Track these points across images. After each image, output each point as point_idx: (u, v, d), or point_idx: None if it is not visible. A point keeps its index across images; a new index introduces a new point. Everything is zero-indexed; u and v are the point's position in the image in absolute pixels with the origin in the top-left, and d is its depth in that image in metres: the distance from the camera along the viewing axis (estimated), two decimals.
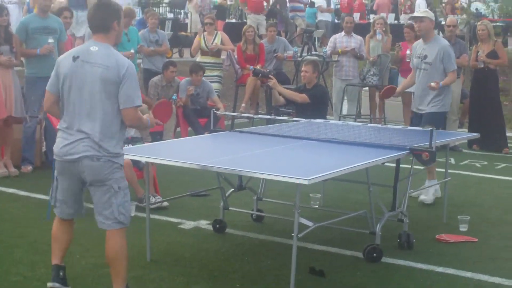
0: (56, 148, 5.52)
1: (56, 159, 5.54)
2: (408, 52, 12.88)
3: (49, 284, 5.73)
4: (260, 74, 10.17)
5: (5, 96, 9.92)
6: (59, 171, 5.58)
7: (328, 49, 14.37)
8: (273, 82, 9.89)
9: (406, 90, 12.98)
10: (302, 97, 9.80)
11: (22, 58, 10.49)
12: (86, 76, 5.37)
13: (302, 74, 10.05)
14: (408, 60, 12.62)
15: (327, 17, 24.54)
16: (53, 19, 10.64)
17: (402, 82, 12.64)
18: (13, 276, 6.20)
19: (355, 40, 14.04)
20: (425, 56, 8.81)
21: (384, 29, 14.34)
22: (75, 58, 5.43)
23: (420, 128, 7.77)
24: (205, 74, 13.14)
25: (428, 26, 8.87)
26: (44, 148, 10.93)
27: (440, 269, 6.66)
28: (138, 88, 5.45)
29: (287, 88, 10.54)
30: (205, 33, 14.30)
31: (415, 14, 9.39)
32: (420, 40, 9.07)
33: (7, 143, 10.27)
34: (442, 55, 8.75)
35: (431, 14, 9.08)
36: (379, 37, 14.12)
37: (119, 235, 5.54)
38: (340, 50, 13.92)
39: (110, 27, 5.49)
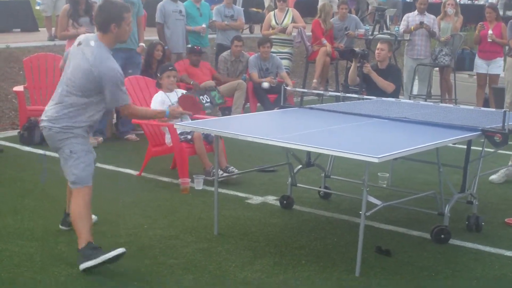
0: None
1: None
2: (490, 32, 12.72)
3: (60, 226, 6.69)
4: (359, 55, 10.00)
5: None
6: None
7: (401, 27, 14.22)
8: (368, 68, 9.79)
9: (480, 71, 12.84)
10: (392, 87, 9.67)
11: None
12: (76, 61, 5.87)
13: (376, 52, 9.93)
14: (489, 41, 12.47)
15: None
16: None
17: (484, 68, 12.50)
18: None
19: (428, 19, 13.84)
20: None
21: (454, 9, 14.11)
22: (79, 44, 5.97)
23: (493, 109, 7.63)
24: (275, 51, 13.16)
25: None
26: (114, 120, 11.08)
27: (508, 253, 6.56)
28: (119, 89, 5.83)
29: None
30: (276, 10, 14.28)
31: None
32: None
33: None
34: None
35: None
36: (450, 12, 13.89)
37: (78, 195, 5.92)
38: (412, 28, 13.74)
39: (108, 29, 5.87)
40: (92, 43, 5.85)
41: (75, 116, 5.84)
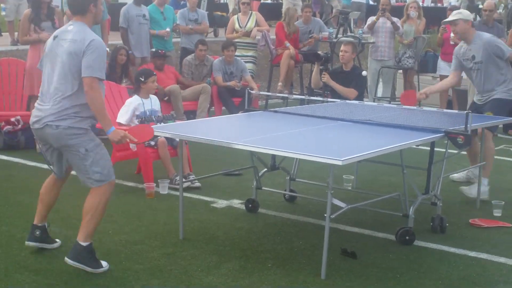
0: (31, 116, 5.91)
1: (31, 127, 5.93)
2: (452, 35, 12.81)
3: (26, 243, 6.24)
4: (323, 58, 10.00)
5: None
6: (37, 137, 6.01)
7: (366, 27, 14.33)
8: (326, 77, 9.80)
9: (443, 73, 12.93)
10: (353, 94, 9.68)
11: None
12: (58, 51, 5.75)
13: (340, 54, 9.93)
14: (452, 43, 12.54)
15: None
16: None
17: (447, 70, 12.54)
18: (47, 250, 6.25)
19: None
20: (473, 57, 8.39)
21: (417, 11, 14.21)
22: (55, 37, 5.86)
23: (455, 111, 7.70)
24: (239, 54, 13.16)
25: (464, 27, 8.38)
26: None
27: (473, 254, 6.62)
28: (100, 61, 5.68)
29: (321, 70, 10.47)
30: (240, 13, 14.29)
31: (448, 18, 8.85)
32: (462, 43, 8.60)
33: None
34: (491, 48, 8.34)
35: (464, 14, 8.50)
36: (412, 15, 14.00)
37: (100, 192, 5.79)
38: (375, 18, 13.83)
39: (86, 9, 5.82)
40: (70, 27, 5.80)
41: (80, 111, 5.67)
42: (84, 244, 5.76)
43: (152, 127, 6.49)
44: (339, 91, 9.69)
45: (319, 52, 9.96)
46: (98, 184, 5.77)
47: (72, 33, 5.72)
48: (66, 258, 5.78)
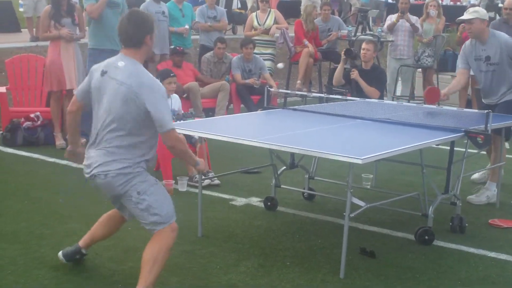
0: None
1: None
2: None
3: (59, 254, 5.91)
4: (353, 54, 9.94)
5: (67, 69, 10.03)
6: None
7: (385, 26, 14.28)
8: (355, 74, 9.77)
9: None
10: (377, 94, 9.65)
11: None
12: (108, 92, 5.15)
13: (362, 52, 9.88)
14: None
15: None
16: None
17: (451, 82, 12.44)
18: (66, 246, 6.25)
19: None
20: (488, 58, 8.13)
21: (437, 10, 14.14)
22: (103, 73, 5.21)
23: (475, 111, 7.65)
24: (258, 52, 13.15)
25: (480, 27, 8.08)
26: None
27: (492, 254, 6.59)
28: (165, 109, 5.11)
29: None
30: (258, 11, 14.28)
31: (464, 16, 8.55)
32: (472, 41, 8.32)
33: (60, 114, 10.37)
34: (508, 50, 8.05)
35: (481, 14, 8.17)
36: (432, 13, 13.93)
37: (160, 237, 5.26)
38: (395, 20, 13.77)
39: (142, 42, 5.19)
40: (121, 63, 5.15)
41: (128, 154, 5.14)
42: None
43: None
44: (364, 89, 9.64)
45: (352, 49, 9.90)
46: (157, 227, 5.24)
47: (123, 74, 5.08)
48: None
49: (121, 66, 5.15)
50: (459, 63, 8.53)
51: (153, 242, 5.27)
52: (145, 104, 5.00)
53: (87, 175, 5.28)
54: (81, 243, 5.90)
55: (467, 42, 8.45)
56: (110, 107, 5.12)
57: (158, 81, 5.22)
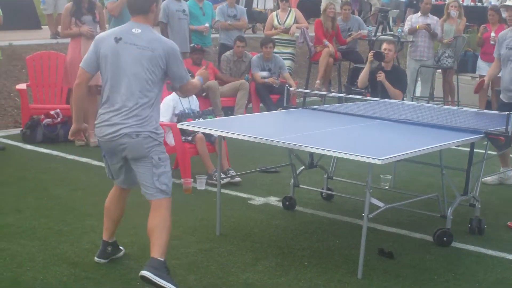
0: (97, 127, 5.59)
1: (99, 139, 5.63)
2: (492, 34, 12.66)
3: (95, 259, 5.99)
4: (382, 57, 9.88)
5: None
6: (104, 150, 5.69)
7: (405, 27, 14.23)
8: (382, 76, 9.69)
9: (483, 74, 12.79)
10: (401, 96, 9.59)
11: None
12: (131, 57, 5.44)
13: (384, 52, 9.79)
14: (492, 43, 12.39)
15: None
16: None
17: (487, 70, 12.40)
18: (85, 243, 6.31)
19: (431, 21, 13.84)
20: None
21: (458, 11, 14.08)
22: (117, 40, 5.49)
23: (496, 112, 7.62)
24: (278, 51, 13.15)
25: None
26: None
27: (511, 257, 6.55)
28: (183, 65, 5.65)
29: (361, 68, 10.42)
30: (279, 10, 14.27)
31: (507, 2, 8.67)
32: (509, 30, 8.47)
33: (91, 113, 10.36)
34: None
35: None
36: (453, 14, 13.87)
37: (163, 206, 5.57)
38: (418, 26, 13.71)
39: (148, 9, 5.57)
40: (136, 30, 5.49)
41: (156, 118, 5.53)
42: (162, 259, 5.42)
43: (191, 122, 6.46)
44: (390, 91, 9.56)
45: (381, 51, 9.85)
46: (161, 196, 5.53)
47: (145, 40, 5.45)
48: (144, 272, 5.34)
49: (138, 32, 5.51)
50: (495, 52, 8.75)
51: (157, 210, 5.55)
52: (169, 65, 5.51)
53: (109, 135, 5.49)
54: (104, 236, 6.01)
55: (505, 30, 8.60)
56: (138, 71, 5.43)
57: (172, 42, 5.69)
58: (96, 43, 5.61)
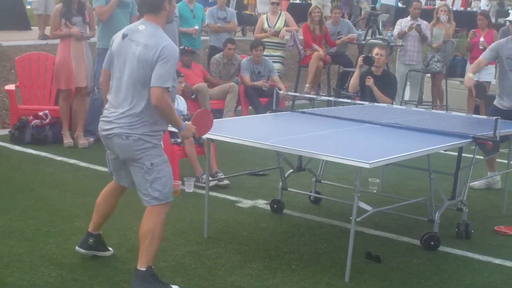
0: (99, 121, 5.62)
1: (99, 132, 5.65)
2: (481, 39, 12.72)
3: (76, 248, 6.05)
4: (372, 62, 9.88)
5: (76, 68, 10.04)
6: (104, 144, 5.69)
7: (395, 31, 14.25)
8: (371, 81, 9.69)
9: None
10: (389, 102, 9.58)
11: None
12: (129, 54, 5.37)
13: (376, 57, 9.80)
14: (481, 48, 12.44)
15: (390, 1, 24.25)
16: None
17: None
18: (73, 245, 6.28)
19: (420, 25, 13.88)
20: None
21: (447, 16, 14.11)
22: (124, 36, 5.46)
23: (484, 117, 7.64)
24: (267, 54, 13.16)
25: None
26: None
27: (498, 261, 6.58)
28: (171, 71, 5.26)
29: (351, 72, 10.43)
30: (269, 13, 14.28)
31: (510, 17, 8.90)
32: (509, 40, 8.50)
33: (80, 115, 10.36)
34: None
35: None
36: (442, 18, 13.89)
37: (155, 212, 5.48)
38: (407, 29, 13.73)
39: (160, 7, 5.44)
40: (142, 27, 5.40)
41: (153, 122, 5.36)
42: (144, 269, 5.42)
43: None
44: (378, 97, 9.55)
45: (371, 56, 9.85)
46: (155, 202, 5.44)
47: (143, 36, 5.34)
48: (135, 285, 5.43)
49: (142, 29, 5.40)
50: (485, 56, 8.71)
51: (148, 217, 5.49)
52: (156, 64, 5.21)
53: (104, 132, 5.48)
54: (89, 228, 6.04)
55: (503, 40, 8.69)
56: (131, 69, 5.34)
57: (176, 47, 5.38)
58: (112, 40, 5.63)
